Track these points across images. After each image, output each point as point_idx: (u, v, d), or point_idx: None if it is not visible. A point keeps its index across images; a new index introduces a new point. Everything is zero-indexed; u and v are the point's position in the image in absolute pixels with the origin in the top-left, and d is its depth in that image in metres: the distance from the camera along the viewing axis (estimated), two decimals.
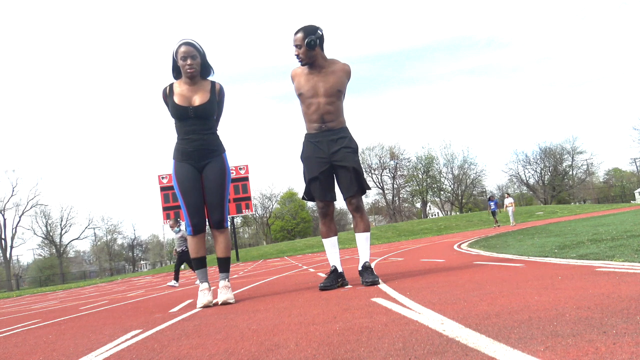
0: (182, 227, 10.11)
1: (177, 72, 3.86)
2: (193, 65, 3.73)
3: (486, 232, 16.89)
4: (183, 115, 3.78)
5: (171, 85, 3.87)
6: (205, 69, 3.86)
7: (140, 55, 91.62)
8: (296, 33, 3.74)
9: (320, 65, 3.79)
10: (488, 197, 29.09)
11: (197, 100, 3.78)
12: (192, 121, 3.78)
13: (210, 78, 3.94)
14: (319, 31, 3.74)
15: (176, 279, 9.30)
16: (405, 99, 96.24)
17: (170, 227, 10.22)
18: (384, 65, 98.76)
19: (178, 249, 9.82)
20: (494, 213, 24.44)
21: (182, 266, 9.92)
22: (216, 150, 3.89)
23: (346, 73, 3.85)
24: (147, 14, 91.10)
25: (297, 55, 3.77)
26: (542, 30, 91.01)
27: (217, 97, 3.86)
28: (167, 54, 3.80)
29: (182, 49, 3.72)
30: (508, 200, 24.15)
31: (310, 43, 3.68)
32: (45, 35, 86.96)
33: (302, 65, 3.82)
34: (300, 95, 3.87)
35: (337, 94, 3.82)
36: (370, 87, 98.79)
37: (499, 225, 23.95)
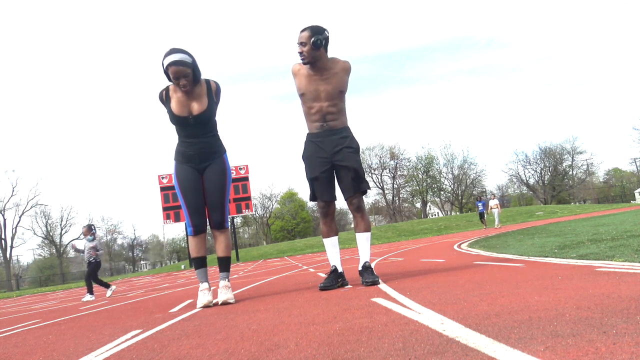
0: (97, 235, 9.29)
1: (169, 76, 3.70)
2: (186, 84, 3.63)
3: (486, 232, 16.89)
4: (183, 123, 3.74)
5: (167, 90, 3.77)
6: (196, 75, 3.70)
7: (140, 55, 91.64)
8: (302, 30, 3.71)
9: (323, 66, 3.76)
10: (476, 197, 28.74)
11: (196, 107, 3.71)
12: (192, 126, 3.75)
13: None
14: (326, 32, 3.73)
15: (90, 292, 8.54)
16: (405, 99, 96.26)
17: (84, 234, 9.20)
18: (384, 65, 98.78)
19: (91, 260, 8.84)
20: (482, 214, 24.10)
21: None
22: (217, 152, 3.88)
23: (346, 71, 3.83)
24: (148, 13, 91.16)
25: (301, 53, 3.73)
26: (542, 30, 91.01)
27: (215, 98, 3.79)
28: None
29: (172, 69, 3.55)
30: (493, 202, 23.98)
31: (317, 42, 3.66)
32: (45, 36, 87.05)
33: (304, 63, 3.79)
34: (302, 95, 3.84)
35: (339, 95, 3.81)
36: (370, 87, 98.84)
37: (485, 227, 23.63)
